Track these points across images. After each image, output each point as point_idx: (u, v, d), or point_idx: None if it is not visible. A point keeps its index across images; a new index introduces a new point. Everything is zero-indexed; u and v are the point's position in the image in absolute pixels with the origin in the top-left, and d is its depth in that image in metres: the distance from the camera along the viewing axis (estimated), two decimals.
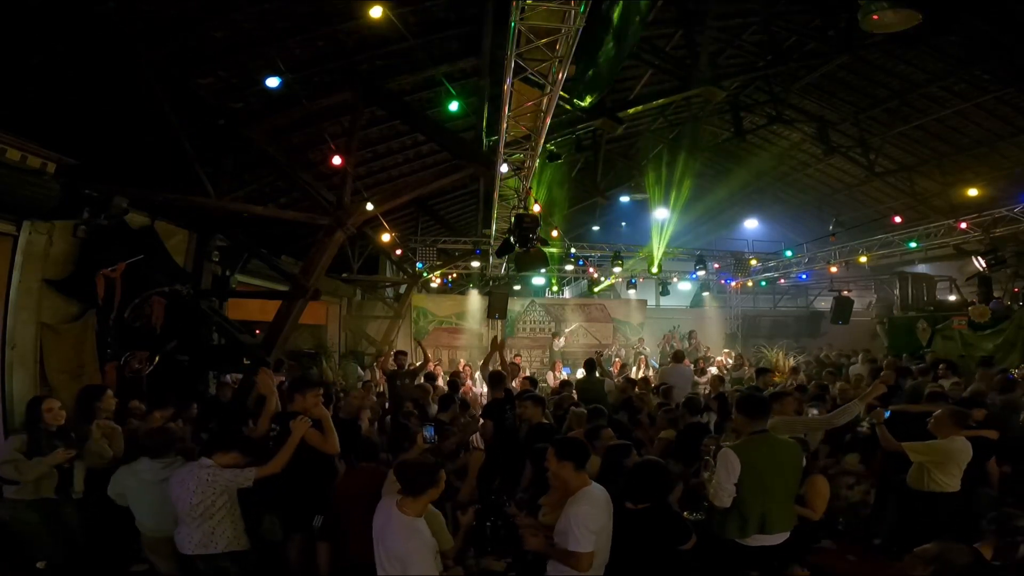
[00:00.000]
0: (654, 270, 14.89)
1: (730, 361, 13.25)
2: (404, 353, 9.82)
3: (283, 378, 8.20)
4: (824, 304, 18.26)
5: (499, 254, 11.17)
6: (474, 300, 15.65)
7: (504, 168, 7.58)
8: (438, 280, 15.65)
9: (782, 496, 3.50)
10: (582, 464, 3.15)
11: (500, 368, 6.77)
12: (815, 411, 5.78)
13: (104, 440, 4.56)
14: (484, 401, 7.64)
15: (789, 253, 15.75)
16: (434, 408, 6.76)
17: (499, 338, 9.35)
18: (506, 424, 5.67)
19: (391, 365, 9.10)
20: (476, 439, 5.93)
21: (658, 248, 14.36)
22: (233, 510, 3.76)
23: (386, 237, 11.23)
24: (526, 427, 5.35)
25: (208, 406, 6.59)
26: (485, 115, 8.01)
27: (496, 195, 8.85)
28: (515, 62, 5.11)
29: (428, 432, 4.86)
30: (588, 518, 2.94)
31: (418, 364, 9.76)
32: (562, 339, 15.57)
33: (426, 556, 2.97)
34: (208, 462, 3.74)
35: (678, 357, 10.09)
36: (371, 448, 4.18)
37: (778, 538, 3.46)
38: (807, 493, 3.97)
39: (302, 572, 4.05)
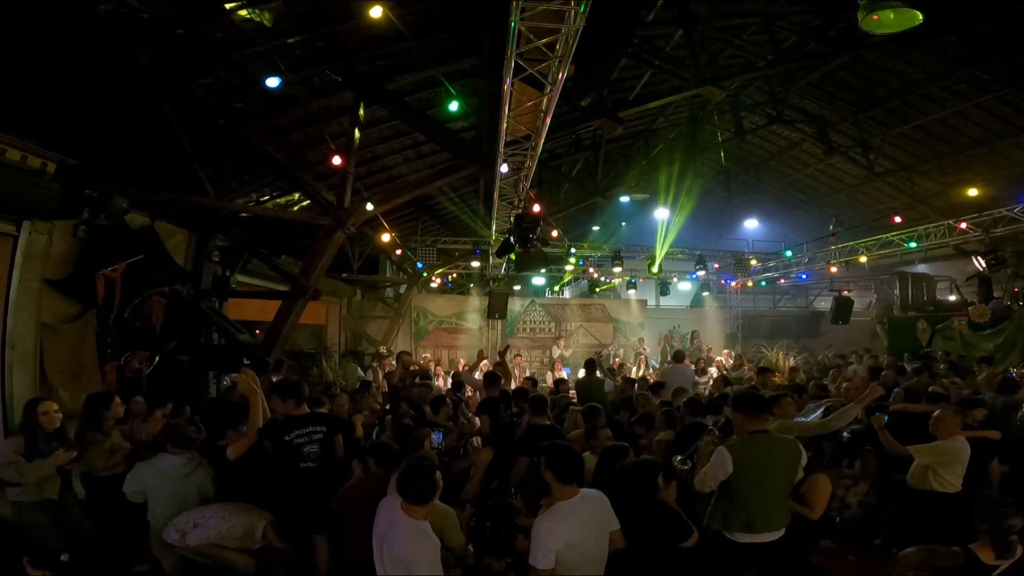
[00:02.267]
0: (654, 270, 14.90)
1: (730, 361, 13.24)
2: (407, 353, 9.81)
3: (283, 378, 8.19)
4: (824, 304, 18.26)
5: (499, 254, 11.17)
6: (474, 300, 15.66)
7: (504, 168, 7.58)
8: (438, 280, 15.65)
9: (773, 496, 3.46)
10: (564, 478, 3.07)
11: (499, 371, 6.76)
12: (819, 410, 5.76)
13: (107, 453, 4.55)
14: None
15: (789, 253, 15.76)
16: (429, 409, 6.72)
17: (500, 342, 9.35)
18: (501, 423, 5.66)
19: (398, 372, 8.93)
20: (477, 439, 5.94)
21: (661, 249, 14.39)
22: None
23: (386, 237, 11.24)
24: (524, 426, 5.34)
25: (210, 408, 6.56)
26: (486, 115, 8.02)
27: (496, 195, 8.86)
28: (515, 62, 5.11)
29: (436, 438, 4.85)
30: (548, 535, 2.89)
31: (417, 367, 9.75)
32: (568, 349, 15.53)
33: (432, 559, 2.95)
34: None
35: (678, 357, 10.09)
36: (388, 453, 4.06)
37: (769, 536, 3.42)
38: (807, 492, 3.95)
39: (302, 571, 4.05)
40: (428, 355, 14.00)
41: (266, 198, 9.84)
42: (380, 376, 10.44)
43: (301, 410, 4.24)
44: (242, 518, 3.77)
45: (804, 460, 3.63)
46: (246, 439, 4.00)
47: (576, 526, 2.98)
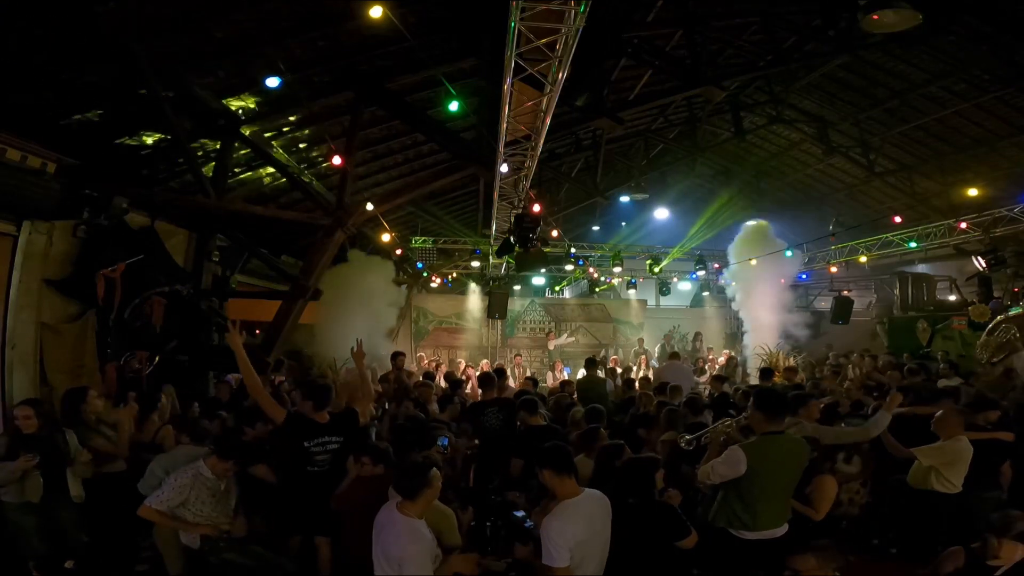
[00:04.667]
0: (656, 270, 14.89)
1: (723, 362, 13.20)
2: (402, 354, 9.82)
3: (283, 378, 8.20)
4: (824, 304, 18.23)
5: (499, 254, 11.16)
6: (474, 300, 15.65)
7: (504, 168, 7.58)
8: (438, 280, 15.65)
9: (778, 496, 3.46)
10: (560, 468, 3.07)
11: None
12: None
13: (85, 454, 4.50)
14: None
15: (789, 253, 15.73)
16: (434, 408, 6.75)
17: (500, 342, 9.37)
18: (487, 427, 5.63)
19: (393, 374, 8.95)
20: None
21: (677, 250, 14.47)
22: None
23: (386, 237, 11.23)
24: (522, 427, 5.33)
25: (207, 407, 6.56)
26: (486, 115, 8.01)
27: (496, 195, 8.85)
28: (515, 62, 5.10)
29: (442, 442, 4.85)
30: (559, 534, 2.89)
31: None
32: (565, 334, 15.56)
33: (423, 560, 2.96)
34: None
35: (674, 356, 10.13)
36: (383, 455, 4.09)
37: (774, 532, 3.42)
38: (812, 493, 3.93)
39: (304, 569, 4.06)
40: (423, 355, 13.93)
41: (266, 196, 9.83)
42: (376, 376, 10.43)
43: (321, 416, 4.24)
44: (181, 469, 3.87)
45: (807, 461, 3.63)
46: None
47: (584, 523, 3.00)
